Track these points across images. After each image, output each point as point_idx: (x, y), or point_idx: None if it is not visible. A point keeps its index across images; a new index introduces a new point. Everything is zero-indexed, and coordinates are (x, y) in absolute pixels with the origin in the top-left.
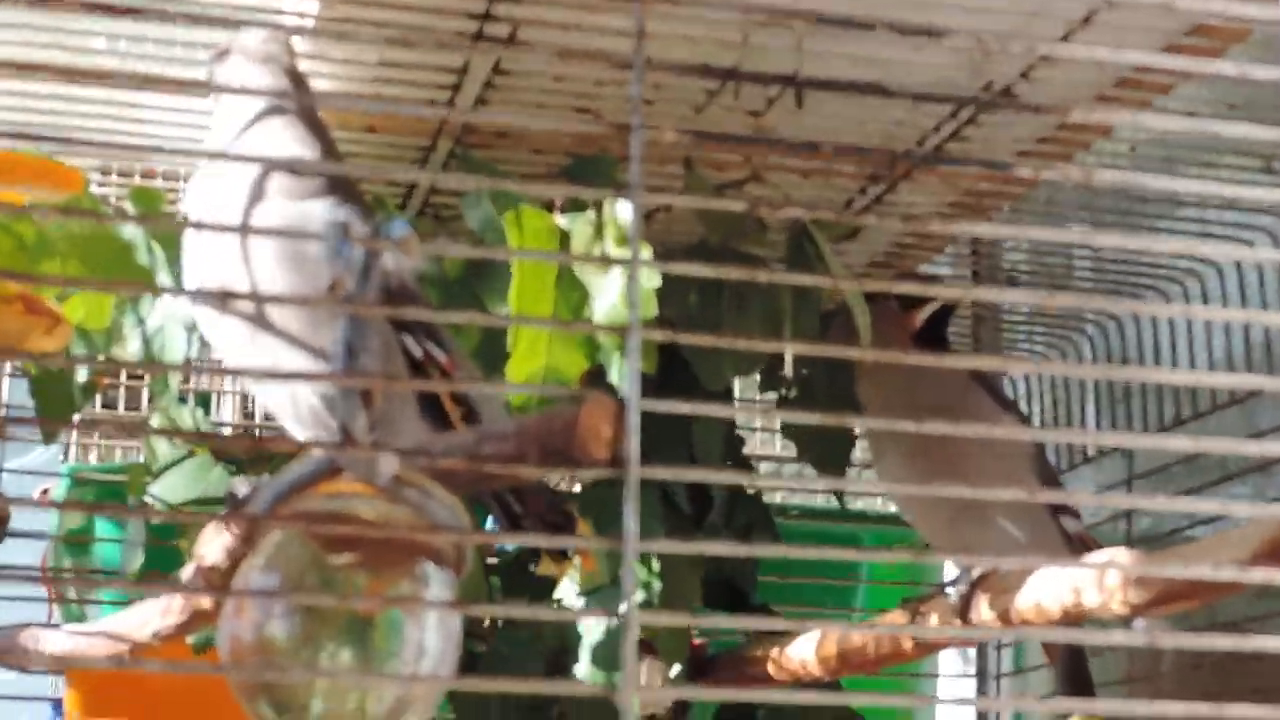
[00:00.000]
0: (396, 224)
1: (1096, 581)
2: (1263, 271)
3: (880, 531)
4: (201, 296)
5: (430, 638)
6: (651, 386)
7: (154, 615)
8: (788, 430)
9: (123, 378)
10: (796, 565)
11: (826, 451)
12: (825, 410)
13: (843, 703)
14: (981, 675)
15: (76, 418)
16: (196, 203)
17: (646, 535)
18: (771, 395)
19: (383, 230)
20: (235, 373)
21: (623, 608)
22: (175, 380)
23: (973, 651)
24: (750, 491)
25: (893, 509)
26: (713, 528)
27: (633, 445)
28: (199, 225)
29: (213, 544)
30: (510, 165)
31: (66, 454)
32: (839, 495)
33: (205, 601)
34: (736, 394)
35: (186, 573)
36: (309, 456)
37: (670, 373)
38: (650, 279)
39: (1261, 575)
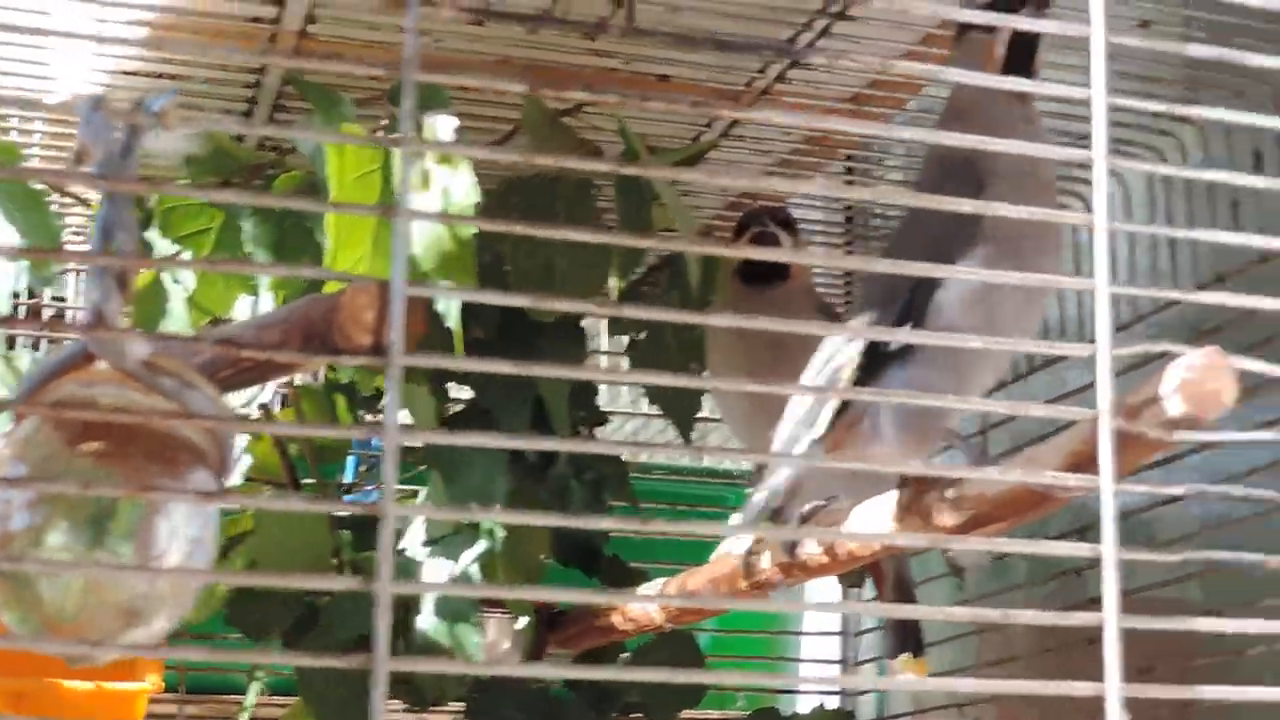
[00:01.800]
0: (158, 97)
1: (915, 507)
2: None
3: (741, 490)
4: None
5: (180, 533)
6: (494, 324)
7: None
8: (637, 371)
9: None
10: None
11: (676, 396)
12: (675, 353)
13: (701, 681)
14: (845, 661)
15: None
16: None
17: (489, 479)
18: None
19: (144, 104)
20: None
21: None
22: None
23: (837, 637)
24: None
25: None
26: (561, 478)
27: (396, 332)
28: None
29: None
30: (343, 88)
31: None
32: (686, 439)
33: None
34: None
35: None
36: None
37: (514, 312)
38: (469, 195)
39: (1075, 481)
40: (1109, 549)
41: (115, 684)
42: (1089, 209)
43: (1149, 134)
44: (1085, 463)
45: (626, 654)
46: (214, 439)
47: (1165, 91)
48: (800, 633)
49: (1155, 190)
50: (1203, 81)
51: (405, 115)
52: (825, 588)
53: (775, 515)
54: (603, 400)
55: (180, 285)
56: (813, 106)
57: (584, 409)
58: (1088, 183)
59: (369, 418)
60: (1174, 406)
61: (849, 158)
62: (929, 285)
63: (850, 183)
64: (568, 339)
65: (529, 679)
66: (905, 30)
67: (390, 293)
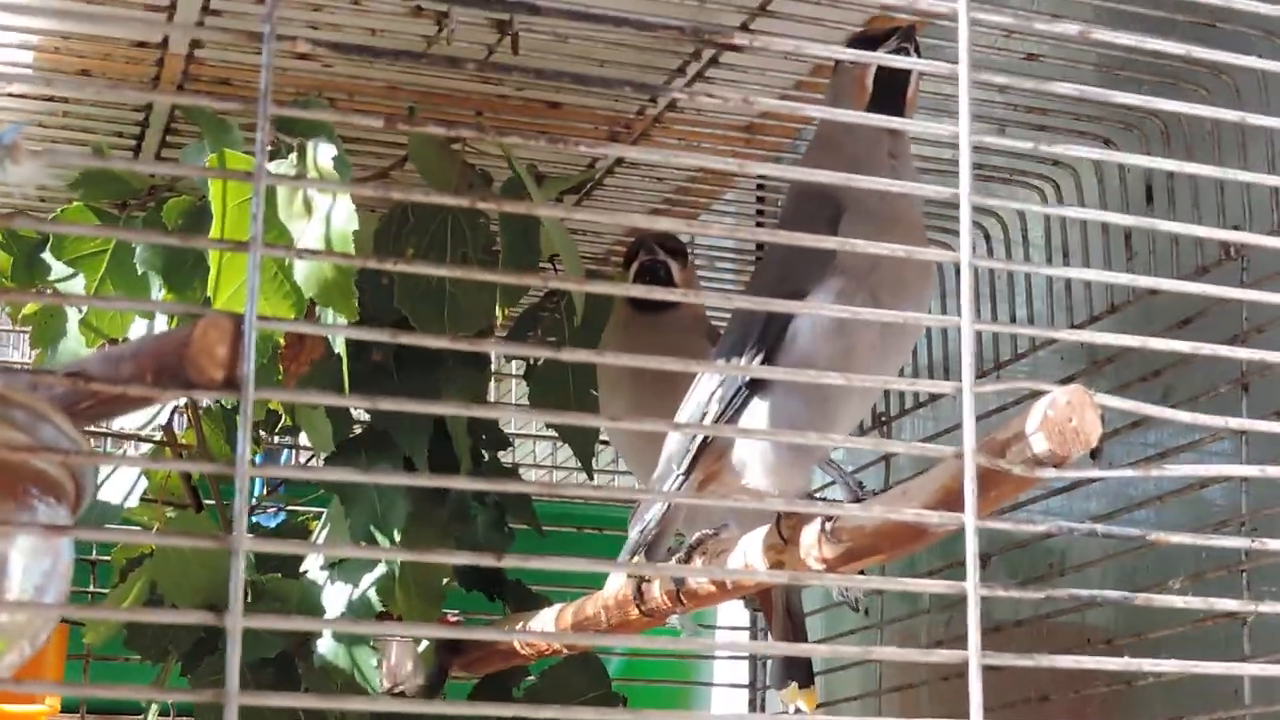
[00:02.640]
0: (7, 130)
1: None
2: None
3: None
4: None
5: (26, 567)
6: (393, 347)
7: None
8: (535, 396)
9: None
10: (553, 544)
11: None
12: (573, 377)
13: None
14: (753, 685)
15: None
16: None
17: (387, 503)
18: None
19: None
20: None
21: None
22: None
23: (745, 662)
24: (507, 467)
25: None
26: (462, 500)
27: (249, 366)
28: None
29: None
30: (232, 115)
31: None
32: (586, 465)
33: None
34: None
35: None
36: None
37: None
38: (349, 222)
39: (937, 519)
40: (972, 586)
41: (12, 706)
42: (990, 245)
43: (1048, 166)
44: (956, 498)
45: (532, 677)
46: (68, 471)
47: (1059, 124)
48: (710, 656)
49: (1052, 224)
50: (1102, 115)
51: (259, 150)
52: (733, 610)
53: (650, 550)
54: (510, 422)
55: (76, 308)
56: (706, 135)
57: (485, 432)
58: (993, 215)
59: (276, 439)
60: (1037, 444)
61: (760, 186)
62: (784, 314)
63: (760, 211)
64: (469, 362)
65: (433, 702)
66: (795, 61)
67: (243, 326)
